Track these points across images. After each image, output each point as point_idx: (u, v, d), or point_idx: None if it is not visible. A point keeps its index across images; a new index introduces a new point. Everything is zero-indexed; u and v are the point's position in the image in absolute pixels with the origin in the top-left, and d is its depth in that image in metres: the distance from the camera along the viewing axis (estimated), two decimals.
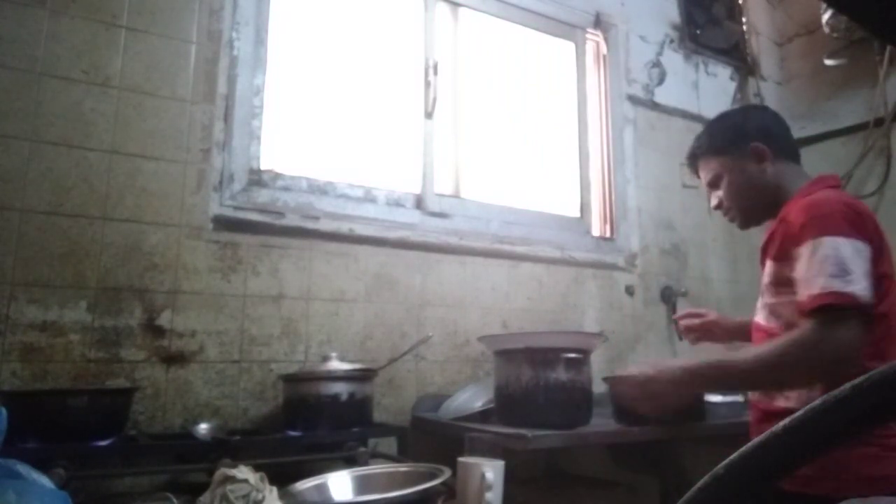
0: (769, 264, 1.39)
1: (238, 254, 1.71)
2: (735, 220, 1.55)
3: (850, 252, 1.19)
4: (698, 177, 1.61)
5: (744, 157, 1.46)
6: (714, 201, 1.55)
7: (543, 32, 2.52)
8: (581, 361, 1.52)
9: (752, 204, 1.48)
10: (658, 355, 2.44)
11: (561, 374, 1.48)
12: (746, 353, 1.27)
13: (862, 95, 2.86)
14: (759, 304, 1.44)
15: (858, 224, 1.24)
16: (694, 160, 1.59)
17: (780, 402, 1.33)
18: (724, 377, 1.31)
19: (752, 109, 1.66)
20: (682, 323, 1.76)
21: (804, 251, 1.24)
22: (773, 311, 1.37)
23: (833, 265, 1.18)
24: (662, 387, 1.34)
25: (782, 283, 1.31)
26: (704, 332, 1.73)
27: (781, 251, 1.32)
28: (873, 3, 0.35)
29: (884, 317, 1.25)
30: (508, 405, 1.55)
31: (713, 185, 1.53)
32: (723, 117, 1.60)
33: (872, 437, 1.21)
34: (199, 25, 1.75)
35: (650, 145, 2.64)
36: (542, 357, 1.48)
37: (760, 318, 1.43)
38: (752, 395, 1.41)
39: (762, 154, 1.44)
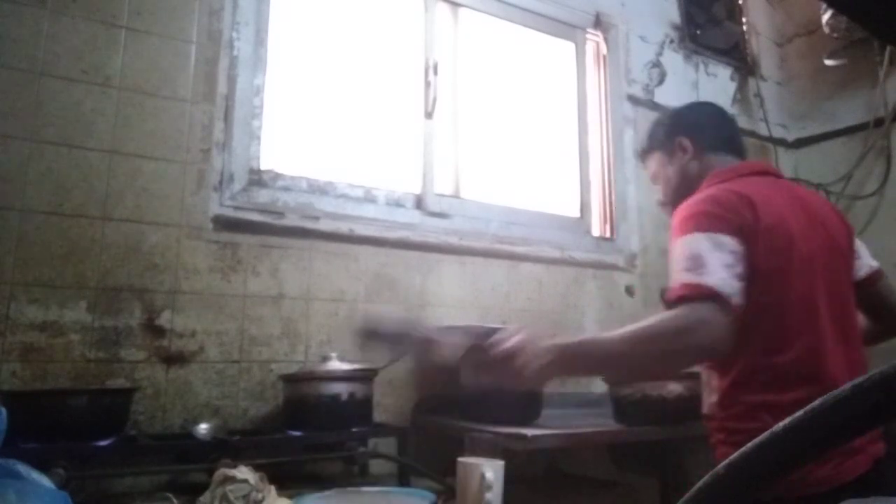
0: None
1: (238, 254, 1.71)
2: (669, 214, 1.53)
3: (707, 246, 1.18)
4: None
5: (672, 152, 1.50)
6: (659, 196, 1.58)
7: (543, 32, 2.52)
8: None
9: (680, 197, 1.44)
10: None
11: None
12: (616, 331, 1.21)
13: (862, 95, 2.86)
14: None
15: (723, 218, 1.22)
16: (641, 158, 1.64)
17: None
18: (591, 355, 1.24)
19: (687, 107, 1.65)
20: None
21: (673, 251, 1.25)
22: None
23: (688, 259, 1.18)
24: (527, 360, 1.17)
25: None
26: None
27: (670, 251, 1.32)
28: (873, 3, 0.35)
29: (771, 308, 1.22)
30: (467, 402, 1.66)
31: (654, 180, 1.58)
32: (659, 116, 1.65)
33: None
34: (199, 25, 1.75)
35: None
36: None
37: None
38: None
39: (685, 149, 1.48)
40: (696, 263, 1.17)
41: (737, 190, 1.28)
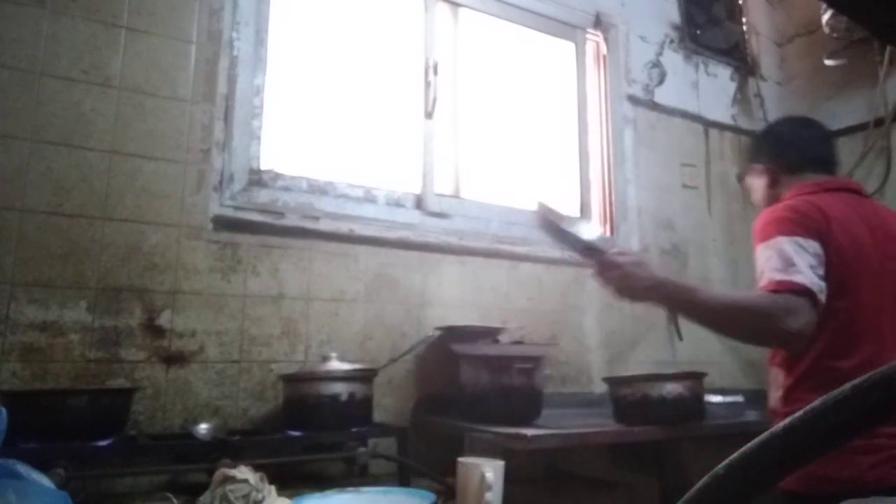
0: None
1: (238, 254, 1.71)
2: None
3: (793, 248, 1.30)
4: None
5: (755, 176, 1.63)
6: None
7: (543, 32, 2.52)
8: (531, 369, 1.65)
9: None
10: (658, 356, 2.44)
11: (514, 379, 1.62)
12: (715, 290, 1.42)
13: (862, 95, 2.86)
14: None
15: (803, 224, 1.34)
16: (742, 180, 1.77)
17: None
18: (685, 300, 1.37)
19: (770, 128, 1.73)
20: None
21: (756, 256, 1.37)
22: None
23: (777, 260, 1.31)
24: (632, 282, 1.38)
25: None
26: None
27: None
28: (873, 3, 0.35)
29: (838, 315, 1.30)
30: (467, 402, 1.69)
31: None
32: (752, 136, 1.77)
33: None
34: (199, 25, 1.75)
35: (650, 145, 2.64)
36: (496, 364, 1.63)
37: None
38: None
39: (761, 173, 1.60)
40: (785, 264, 1.29)
41: (813, 202, 1.39)
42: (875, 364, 1.18)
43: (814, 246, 1.31)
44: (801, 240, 1.31)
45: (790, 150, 1.56)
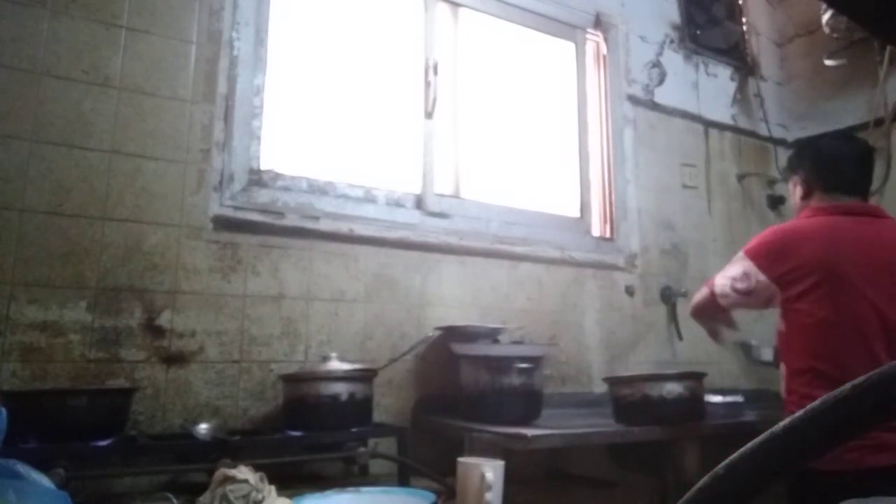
0: None
1: (238, 254, 1.71)
2: None
3: (737, 262, 1.67)
4: None
5: (793, 185, 1.78)
6: None
7: (543, 32, 2.52)
8: (532, 369, 1.68)
9: None
10: (658, 356, 2.44)
11: (514, 379, 1.65)
12: None
13: (862, 95, 2.86)
14: None
15: (767, 251, 1.61)
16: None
17: None
18: None
19: (814, 142, 1.87)
20: None
21: None
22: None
23: (725, 268, 1.71)
24: None
25: None
26: None
27: None
28: (873, 3, 0.35)
29: (812, 326, 1.52)
30: (467, 402, 1.70)
31: None
32: (796, 147, 1.96)
33: None
34: (199, 25, 1.75)
35: (650, 145, 2.64)
36: (496, 364, 1.66)
37: None
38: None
39: (796, 185, 1.76)
40: (723, 272, 1.70)
41: (802, 225, 1.63)
42: (854, 365, 1.32)
43: (753, 269, 1.61)
44: (748, 262, 1.63)
45: (825, 170, 1.68)
